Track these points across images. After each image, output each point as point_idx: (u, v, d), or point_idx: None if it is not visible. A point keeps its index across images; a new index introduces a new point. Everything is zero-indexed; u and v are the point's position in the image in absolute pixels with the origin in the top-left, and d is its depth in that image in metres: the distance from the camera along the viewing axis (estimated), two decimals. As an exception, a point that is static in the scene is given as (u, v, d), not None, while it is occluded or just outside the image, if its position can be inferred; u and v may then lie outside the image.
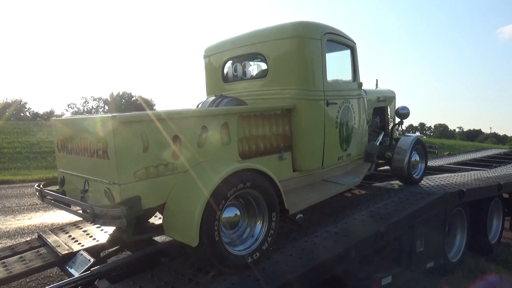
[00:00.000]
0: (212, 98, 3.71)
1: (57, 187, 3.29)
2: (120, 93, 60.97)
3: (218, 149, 2.95)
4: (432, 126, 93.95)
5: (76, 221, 4.43)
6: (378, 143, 4.69)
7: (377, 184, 4.86)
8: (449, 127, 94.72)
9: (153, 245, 3.44)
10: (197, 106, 3.88)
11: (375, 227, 3.35)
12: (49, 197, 3.13)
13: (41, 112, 53.99)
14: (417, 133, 6.50)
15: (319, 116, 3.62)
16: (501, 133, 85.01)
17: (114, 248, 3.72)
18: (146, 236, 3.08)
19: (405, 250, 3.69)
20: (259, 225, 2.85)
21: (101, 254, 3.60)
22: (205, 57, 4.38)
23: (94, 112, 55.89)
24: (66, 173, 3.12)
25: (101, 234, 3.85)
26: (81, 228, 4.08)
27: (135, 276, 2.85)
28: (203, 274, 2.77)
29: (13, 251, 3.67)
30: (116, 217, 2.30)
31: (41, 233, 4.00)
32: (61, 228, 4.18)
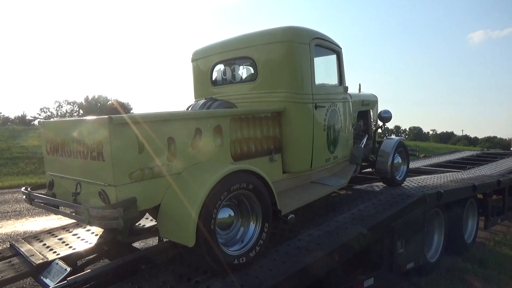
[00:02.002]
0: (202, 101, 3.74)
1: (45, 190, 3.23)
2: (96, 97, 59.74)
3: (211, 151, 2.99)
4: (407, 129, 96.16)
5: (51, 229, 4.28)
6: (362, 146, 4.77)
7: (358, 186, 4.92)
8: (423, 129, 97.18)
9: (132, 253, 3.35)
10: (187, 109, 3.87)
11: (357, 229, 3.38)
12: (38, 200, 3.06)
13: (12, 116, 52.16)
14: (393, 136, 6.55)
15: (308, 119, 3.70)
16: (472, 135, 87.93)
17: (92, 256, 3.61)
18: (141, 237, 3.12)
19: (386, 252, 3.72)
20: (252, 224, 2.89)
21: (78, 263, 3.48)
22: (193, 60, 4.41)
23: (69, 116, 54.48)
24: (56, 176, 3.07)
25: (78, 242, 3.72)
26: (56, 236, 3.94)
27: (114, 285, 2.77)
28: (185, 281, 2.71)
29: (-17, 261, 3.49)
30: (113, 218, 2.29)
31: (13, 242, 3.84)
32: (34, 237, 4.01)
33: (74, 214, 2.78)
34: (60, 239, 3.84)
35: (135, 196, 2.45)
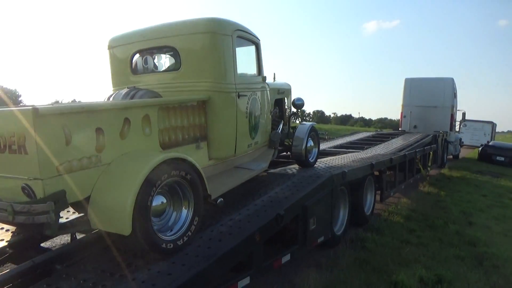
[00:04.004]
0: (125, 90, 3.62)
1: None
2: (-25, 83, 52.06)
3: (140, 140, 3.00)
4: (311, 113, 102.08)
5: None
6: (279, 131, 5.04)
7: (272, 170, 5.17)
8: (325, 113, 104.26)
9: (42, 253, 3.13)
10: (108, 99, 3.71)
11: (275, 211, 3.59)
12: None
13: None
14: (299, 120, 6.98)
15: (231, 107, 3.84)
16: (367, 117, 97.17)
17: (-6, 261, 3.27)
18: (72, 230, 3.12)
19: (300, 229, 4.02)
20: (184, 209, 2.98)
21: (-24, 271, 3.13)
22: (109, 48, 4.22)
23: None
24: None
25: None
26: None
27: (27, 289, 2.58)
28: (108, 276, 2.64)
29: None
30: (42, 213, 2.25)
31: None
32: None
33: None
34: None
35: (64, 188, 2.40)
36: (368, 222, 6.22)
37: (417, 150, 8.84)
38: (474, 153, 20.51)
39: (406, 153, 7.95)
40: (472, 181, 11.81)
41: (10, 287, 2.72)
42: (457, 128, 15.91)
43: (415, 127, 13.49)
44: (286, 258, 3.76)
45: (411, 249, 5.27)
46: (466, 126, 21.30)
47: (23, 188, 2.32)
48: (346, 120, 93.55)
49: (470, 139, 23.83)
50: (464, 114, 16.00)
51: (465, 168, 14.58)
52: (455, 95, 13.93)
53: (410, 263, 4.78)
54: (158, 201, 2.80)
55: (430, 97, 13.35)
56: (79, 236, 3.52)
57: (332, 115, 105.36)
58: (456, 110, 14.52)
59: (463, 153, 20.43)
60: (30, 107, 2.25)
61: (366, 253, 5.03)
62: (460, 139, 17.79)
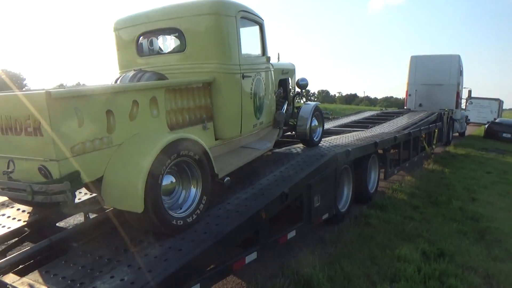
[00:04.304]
0: (132, 73, 3.70)
1: None
2: (-21, 67, 52.17)
3: (148, 121, 3.10)
4: (316, 92, 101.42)
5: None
6: (284, 111, 5.11)
7: (277, 150, 5.26)
8: (330, 92, 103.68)
9: (58, 233, 3.28)
10: (116, 81, 3.79)
11: (280, 189, 3.70)
12: None
13: None
14: (304, 100, 7.10)
15: (236, 88, 3.92)
16: (372, 96, 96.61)
17: (13, 240, 3.44)
18: (85, 210, 3.34)
19: (305, 207, 4.13)
20: (193, 188, 3.11)
21: (-3, 249, 3.30)
22: (115, 30, 4.27)
23: None
24: None
25: (-9, 228, 3.48)
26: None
27: (47, 265, 2.72)
28: (122, 252, 2.78)
29: None
30: (59, 192, 2.38)
31: None
32: None
33: (8, 192, 2.77)
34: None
35: (79, 169, 2.51)
36: (372, 199, 6.32)
37: (422, 128, 8.87)
38: (480, 131, 20.43)
39: (411, 131, 7.99)
40: (477, 158, 11.84)
41: (30, 263, 2.87)
42: (463, 106, 15.82)
43: (420, 105, 13.42)
44: (292, 234, 3.89)
45: (414, 224, 5.38)
46: (472, 103, 21.14)
47: (39, 169, 2.44)
48: (351, 99, 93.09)
49: (477, 116, 23.71)
50: (470, 91, 15.89)
51: (471, 145, 14.58)
52: (461, 73, 13.79)
53: (413, 238, 4.89)
54: (168, 180, 2.92)
55: (435, 75, 13.23)
56: (92, 216, 3.67)
57: (337, 95, 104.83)
58: (462, 87, 14.40)
59: (469, 130, 20.36)
60: (43, 91, 2.33)
61: (370, 229, 5.15)
62: (466, 117, 17.71)
